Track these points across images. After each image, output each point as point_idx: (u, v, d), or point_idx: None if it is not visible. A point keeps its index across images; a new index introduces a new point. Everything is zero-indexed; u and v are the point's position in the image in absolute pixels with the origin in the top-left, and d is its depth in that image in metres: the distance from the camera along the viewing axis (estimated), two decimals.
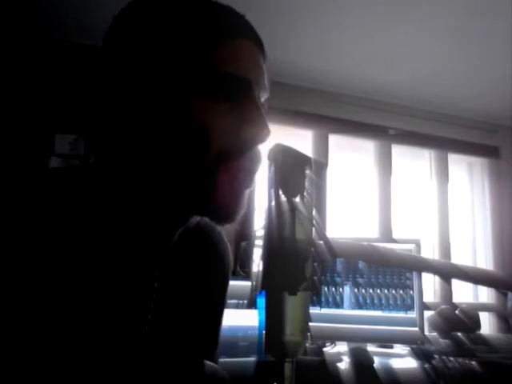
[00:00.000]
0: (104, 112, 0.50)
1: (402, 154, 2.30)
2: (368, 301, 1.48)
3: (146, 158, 0.48)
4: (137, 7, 0.50)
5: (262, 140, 0.49)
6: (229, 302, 1.32)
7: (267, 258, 0.43)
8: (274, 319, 0.42)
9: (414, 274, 1.51)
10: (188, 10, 0.48)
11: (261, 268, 0.43)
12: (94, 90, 0.51)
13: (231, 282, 0.70)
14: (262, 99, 0.52)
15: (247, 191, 0.50)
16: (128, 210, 0.51)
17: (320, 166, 0.48)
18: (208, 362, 0.62)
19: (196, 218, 0.56)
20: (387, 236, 2.13)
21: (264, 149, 0.49)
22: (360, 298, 1.49)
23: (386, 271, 1.51)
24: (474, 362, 1.30)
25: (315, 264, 0.43)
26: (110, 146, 0.51)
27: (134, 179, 0.50)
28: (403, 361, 1.39)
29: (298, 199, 0.43)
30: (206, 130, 0.46)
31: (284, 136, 2.02)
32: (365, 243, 1.59)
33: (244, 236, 1.60)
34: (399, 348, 1.52)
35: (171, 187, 0.48)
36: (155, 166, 0.48)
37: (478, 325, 1.59)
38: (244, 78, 0.48)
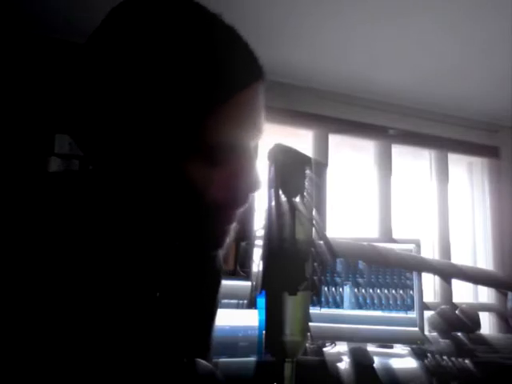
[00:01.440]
0: (100, 134, 0.47)
1: (402, 154, 2.30)
2: (368, 301, 1.48)
3: (138, 196, 0.48)
4: (132, 36, 0.43)
5: (255, 191, 0.48)
6: (229, 301, 1.32)
7: (267, 258, 0.43)
8: (273, 319, 0.42)
9: (414, 274, 1.51)
10: (182, 63, 0.41)
11: (261, 268, 0.43)
12: (84, 108, 0.48)
13: (231, 282, 0.70)
14: (258, 143, 0.50)
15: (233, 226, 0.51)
16: (124, 219, 0.51)
17: (320, 165, 0.48)
18: (203, 362, 0.62)
19: None
20: (387, 236, 2.13)
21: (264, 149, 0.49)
22: (360, 298, 1.49)
23: (386, 271, 1.51)
24: (469, 362, 1.30)
25: (315, 264, 0.43)
26: (107, 161, 0.50)
27: (128, 198, 0.50)
28: (403, 361, 1.39)
29: (298, 199, 0.43)
30: (197, 190, 0.45)
31: (284, 136, 2.02)
32: (365, 243, 1.58)
33: (244, 236, 1.60)
34: (399, 348, 1.52)
35: (162, 219, 0.49)
36: (147, 204, 0.48)
37: (478, 325, 1.59)
38: (237, 144, 0.46)
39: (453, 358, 1.32)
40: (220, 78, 0.42)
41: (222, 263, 0.70)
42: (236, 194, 0.47)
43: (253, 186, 0.48)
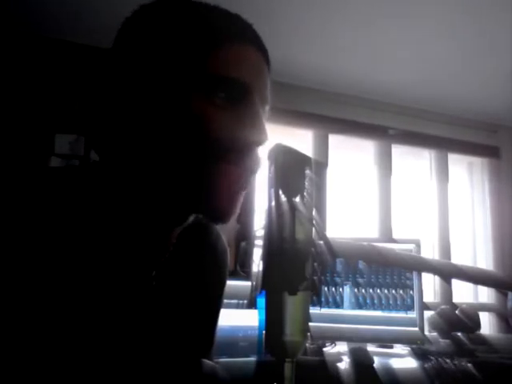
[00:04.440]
0: (106, 112, 0.51)
1: (402, 154, 2.30)
2: (368, 301, 1.48)
3: (145, 155, 0.49)
4: (140, 15, 0.52)
5: (258, 144, 0.49)
6: (229, 301, 1.32)
7: (267, 258, 0.43)
8: (274, 319, 0.42)
9: (414, 274, 1.51)
10: (188, 16, 0.50)
11: (261, 268, 0.43)
12: (95, 91, 0.52)
13: (231, 282, 0.70)
14: (264, 107, 0.52)
15: (242, 193, 0.50)
16: (126, 210, 0.51)
17: (320, 165, 0.48)
18: (207, 361, 0.62)
19: (192, 218, 0.56)
20: (387, 236, 2.13)
21: (264, 150, 0.49)
22: (360, 298, 1.49)
23: (386, 271, 1.51)
24: (469, 365, 1.30)
25: (315, 264, 0.43)
26: (111, 144, 0.52)
27: (132, 177, 0.50)
28: (403, 361, 1.39)
29: (297, 199, 0.43)
30: (204, 124, 0.47)
31: (284, 136, 2.02)
32: (365, 243, 1.58)
33: (244, 236, 1.60)
34: (399, 348, 1.52)
35: (168, 184, 0.49)
36: (154, 161, 0.49)
37: (478, 325, 1.59)
38: (240, 82, 0.48)
39: (449, 359, 1.32)
40: (220, 29, 0.50)
41: (228, 260, 0.70)
42: (239, 139, 0.48)
43: (257, 138, 0.49)
